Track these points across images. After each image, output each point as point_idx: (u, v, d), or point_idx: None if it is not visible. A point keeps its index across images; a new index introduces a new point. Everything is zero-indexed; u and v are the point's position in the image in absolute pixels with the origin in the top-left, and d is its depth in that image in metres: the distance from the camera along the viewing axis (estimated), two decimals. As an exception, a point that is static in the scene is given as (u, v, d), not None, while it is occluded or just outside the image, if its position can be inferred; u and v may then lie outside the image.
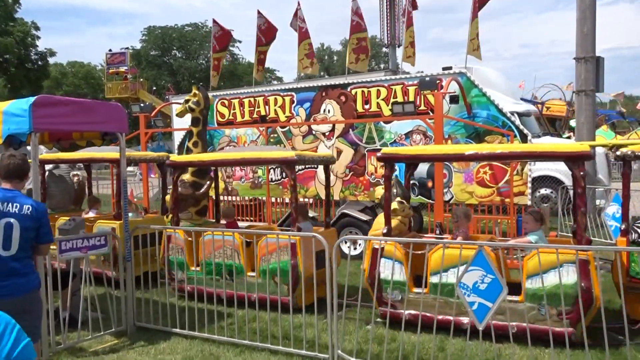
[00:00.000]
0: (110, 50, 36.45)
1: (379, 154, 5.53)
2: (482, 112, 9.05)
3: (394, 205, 5.63)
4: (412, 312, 4.71)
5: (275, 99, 11.18)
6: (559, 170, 12.43)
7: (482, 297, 3.81)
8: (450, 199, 9.37)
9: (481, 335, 3.95)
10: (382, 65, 52.41)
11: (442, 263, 4.57)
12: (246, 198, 11.74)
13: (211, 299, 5.28)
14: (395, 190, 6.08)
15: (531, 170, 8.85)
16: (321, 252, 4.71)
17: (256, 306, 4.93)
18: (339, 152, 10.34)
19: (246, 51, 55.25)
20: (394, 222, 5.52)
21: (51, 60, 35.81)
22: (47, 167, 8.28)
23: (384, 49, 42.38)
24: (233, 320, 5.03)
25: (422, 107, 9.44)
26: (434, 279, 4.76)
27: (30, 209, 3.53)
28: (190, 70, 50.12)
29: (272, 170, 11.12)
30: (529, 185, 8.74)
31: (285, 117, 11.01)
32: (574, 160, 4.78)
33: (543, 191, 12.65)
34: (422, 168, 9.61)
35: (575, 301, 4.32)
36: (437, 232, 8.15)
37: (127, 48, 37.95)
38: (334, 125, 10.42)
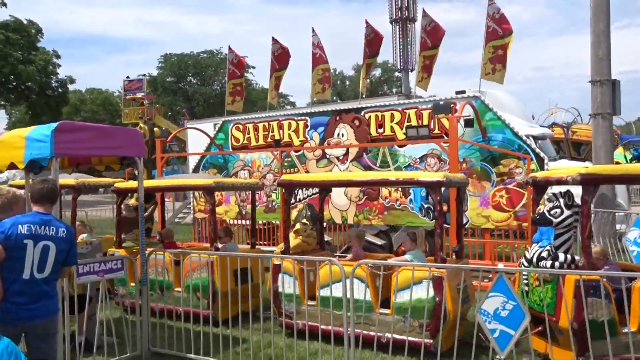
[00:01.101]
0: (127, 77, 37.20)
1: (279, 180, 6.27)
2: (497, 135, 9.01)
3: (297, 226, 6.38)
4: (309, 322, 4.96)
5: (290, 123, 11.27)
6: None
7: (503, 324, 3.72)
8: (466, 223, 9.27)
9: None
10: (394, 90, 52.71)
11: (331, 278, 4.84)
12: (260, 222, 11.74)
13: (226, 322, 5.24)
14: (305, 212, 6.90)
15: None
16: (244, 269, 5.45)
17: (271, 331, 4.87)
18: (354, 176, 10.33)
19: (260, 77, 56.08)
20: (296, 241, 6.17)
21: (70, 87, 36.63)
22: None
23: (397, 74, 42.66)
24: (248, 345, 4.97)
25: (437, 131, 9.44)
26: (322, 292, 5.25)
27: (65, 232, 3.62)
28: (205, 96, 50.90)
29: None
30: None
31: (299, 141, 11.08)
32: (430, 187, 5.26)
33: (560, 215, 12.48)
34: (437, 192, 9.56)
35: (433, 314, 4.70)
36: (453, 257, 8.05)
37: (144, 75, 38.75)
38: (347, 149, 10.45)
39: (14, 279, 3.37)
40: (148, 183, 7.16)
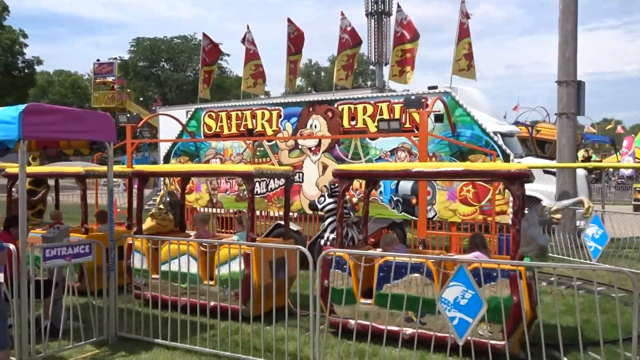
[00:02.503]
0: (98, 60, 36.38)
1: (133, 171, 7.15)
2: (466, 131, 9.23)
3: (153, 210, 7.45)
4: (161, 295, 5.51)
5: (263, 112, 11.27)
6: (541, 191, 12.68)
7: (462, 312, 3.88)
8: (433, 216, 9.49)
9: (461, 351, 4.03)
10: (369, 83, 52.96)
11: (169, 255, 5.86)
12: (230, 210, 11.74)
13: (194, 310, 5.28)
14: (165, 198, 7.77)
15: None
16: None
17: (239, 318, 4.94)
18: (325, 167, 10.43)
19: (234, 64, 55.45)
20: (151, 223, 7.13)
21: (38, 68, 35.56)
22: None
23: (371, 67, 42.88)
24: (216, 332, 5.03)
25: (408, 125, 9.60)
26: (164, 267, 5.94)
27: None
28: (178, 82, 50.13)
29: (257, 184, 11.16)
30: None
31: (272, 131, 11.10)
32: (245, 177, 6.24)
33: (525, 211, 12.85)
34: (407, 185, 9.75)
35: (244, 285, 5.45)
36: (420, 248, 8.26)
37: (115, 58, 37.92)
38: (320, 141, 10.53)
39: None
40: (41, 169, 7.85)
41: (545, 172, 12.60)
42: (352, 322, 4.78)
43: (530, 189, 12.73)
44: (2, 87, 31.47)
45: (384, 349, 4.63)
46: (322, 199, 6.72)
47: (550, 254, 10.03)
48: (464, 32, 9.83)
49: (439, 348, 4.54)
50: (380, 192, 9.98)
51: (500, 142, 9.28)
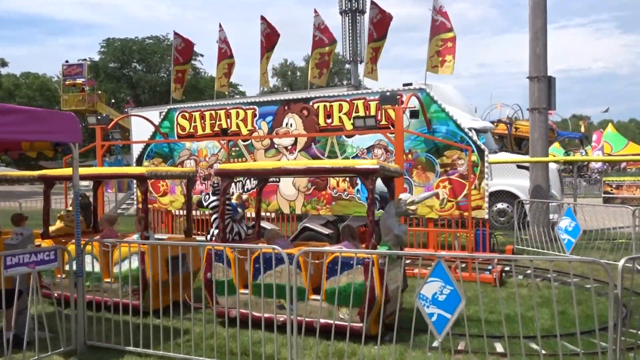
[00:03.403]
0: (67, 61, 35.52)
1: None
2: (441, 127, 9.24)
3: (61, 212, 7.81)
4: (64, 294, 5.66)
5: (237, 112, 11.10)
6: (515, 185, 12.83)
7: (441, 308, 3.83)
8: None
9: (440, 349, 3.97)
10: (345, 82, 53.05)
11: (120, 256, 6.05)
12: (206, 212, 11.53)
13: (166, 314, 5.11)
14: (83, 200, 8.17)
15: (488, 186, 9.07)
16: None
17: (214, 322, 4.80)
18: (301, 166, 10.32)
19: (208, 65, 54.87)
20: (59, 225, 7.54)
21: (3, 70, 34.52)
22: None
23: (347, 65, 42.93)
24: (190, 337, 4.87)
25: (384, 122, 9.56)
26: (116, 269, 6.17)
27: None
28: (151, 84, 49.32)
29: (233, 184, 10.99)
30: (486, 199, 8.94)
31: (248, 130, 10.94)
32: (140, 180, 6.56)
33: (500, 205, 12.99)
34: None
35: (141, 281, 5.91)
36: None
37: (85, 59, 37.06)
38: (296, 139, 10.42)
39: None
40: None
41: (519, 166, 12.75)
42: (234, 311, 5.14)
43: (505, 183, 12.90)
44: (-34, 91, 30.49)
45: (362, 348, 4.56)
46: (207, 196, 6.80)
47: (525, 247, 10.14)
48: (436, 29, 9.85)
49: (309, 332, 4.84)
50: (358, 190, 9.92)
51: (475, 137, 9.32)
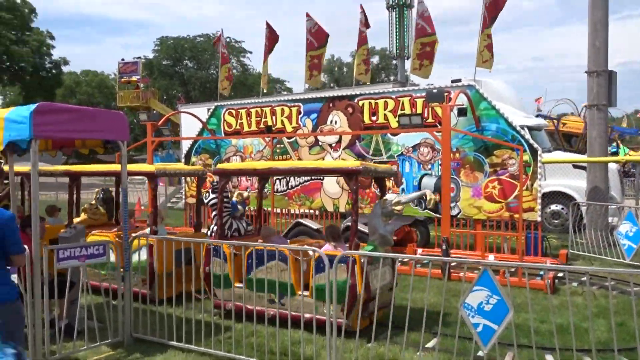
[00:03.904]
0: (122, 59, 36.83)
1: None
2: (491, 125, 8.92)
3: (85, 205, 8.43)
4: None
5: (282, 109, 11.13)
6: (570, 186, 12.23)
7: (487, 318, 3.66)
8: (457, 214, 9.21)
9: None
10: (391, 78, 52.44)
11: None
12: (251, 208, 11.66)
13: (209, 311, 5.17)
14: (99, 195, 8.91)
15: (541, 186, 8.68)
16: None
17: (254, 319, 4.81)
18: (346, 164, 10.24)
19: (257, 62, 55.53)
20: (83, 217, 8.04)
21: (65, 68, 36.23)
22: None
23: (394, 61, 42.40)
24: (231, 334, 4.91)
25: (430, 120, 9.33)
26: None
27: None
28: (201, 80, 50.46)
29: (277, 181, 11.05)
30: (539, 201, 8.56)
31: (292, 127, 10.96)
32: (149, 177, 6.96)
33: (554, 207, 12.43)
34: (430, 182, 9.49)
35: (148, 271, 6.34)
36: (444, 247, 8.01)
37: (140, 57, 38.35)
38: (340, 137, 10.34)
39: None
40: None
41: (575, 166, 12.14)
42: (230, 303, 5.26)
43: (560, 184, 12.32)
44: (31, 88, 32.15)
45: (404, 353, 4.44)
46: (207, 194, 6.96)
47: (580, 252, 9.65)
48: (485, 24, 9.50)
49: (295, 325, 4.94)
50: (403, 189, 9.75)
51: (528, 136, 8.93)
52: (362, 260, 4.99)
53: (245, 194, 7.61)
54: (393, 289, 5.42)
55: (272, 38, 13.19)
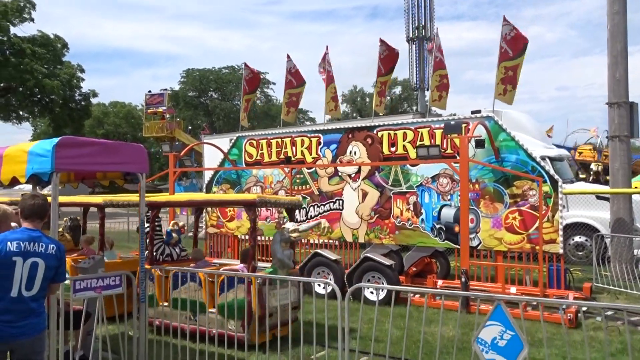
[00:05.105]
0: (149, 91, 37.95)
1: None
2: (510, 156, 8.85)
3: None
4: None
5: (302, 140, 11.26)
6: (594, 217, 11.97)
7: (501, 354, 3.58)
8: (478, 245, 9.08)
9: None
10: (414, 108, 52.64)
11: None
12: (270, 238, 11.68)
13: (222, 342, 5.17)
14: (68, 223, 9.66)
15: (563, 218, 8.52)
16: None
17: (266, 349, 4.78)
18: (365, 194, 10.25)
19: (280, 93, 56.61)
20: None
21: (94, 100, 37.45)
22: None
23: (415, 92, 42.67)
24: (244, 366, 4.89)
25: (449, 151, 9.32)
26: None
27: (55, 249, 3.58)
28: (225, 111, 51.53)
29: (297, 212, 11.09)
30: (561, 232, 8.39)
31: (312, 158, 11.05)
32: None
33: (577, 239, 12.15)
34: (450, 212, 9.41)
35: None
36: (463, 279, 7.88)
37: (166, 89, 39.41)
38: (360, 167, 10.38)
39: (1, 297, 3.33)
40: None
41: (598, 197, 11.90)
42: (157, 321, 6.15)
43: (583, 215, 12.07)
44: (61, 119, 33.22)
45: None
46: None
47: (605, 286, 9.36)
48: (503, 56, 9.55)
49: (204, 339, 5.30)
50: (422, 219, 9.67)
51: (549, 167, 8.83)
52: (258, 282, 5.74)
53: (181, 223, 8.45)
54: (298, 308, 6.23)
55: (298, 73, 13.52)
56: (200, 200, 7.60)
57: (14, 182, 4.63)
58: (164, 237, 7.60)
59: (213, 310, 5.87)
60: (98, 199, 7.80)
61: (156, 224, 7.30)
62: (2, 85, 31.16)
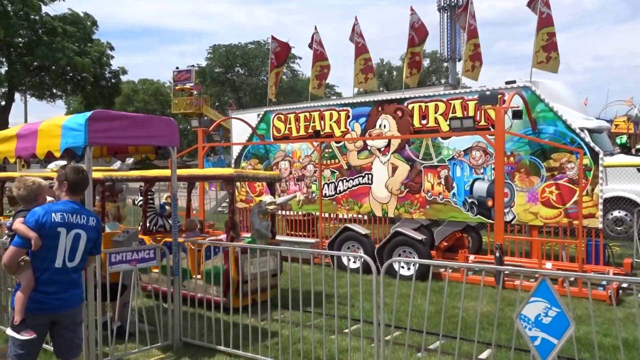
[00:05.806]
0: (177, 68, 38.04)
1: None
2: (548, 128, 8.52)
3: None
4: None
5: (331, 114, 11.09)
6: (635, 191, 11.52)
7: (545, 332, 3.44)
8: (512, 220, 8.85)
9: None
10: (443, 81, 51.50)
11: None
12: (299, 213, 11.67)
13: (254, 314, 5.17)
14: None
15: (603, 192, 8.20)
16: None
17: (300, 326, 4.76)
18: (395, 168, 10.07)
19: (306, 67, 56.05)
20: None
21: (123, 78, 37.84)
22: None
23: (445, 64, 41.62)
24: (277, 339, 4.89)
25: (483, 123, 9.02)
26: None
27: (95, 221, 3.61)
28: (252, 87, 51.45)
29: (326, 186, 11.01)
30: (600, 207, 8.09)
31: (341, 132, 10.89)
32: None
33: (616, 213, 11.74)
34: (482, 186, 9.17)
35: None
36: (497, 254, 7.70)
37: (193, 66, 39.44)
38: (389, 141, 10.19)
39: (45, 268, 3.35)
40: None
41: (640, 170, 11.43)
42: (150, 286, 6.29)
43: (623, 189, 11.63)
44: (92, 97, 33.75)
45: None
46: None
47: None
48: (542, 22, 9.09)
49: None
50: (454, 193, 9.46)
51: (588, 138, 8.47)
52: (236, 250, 5.98)
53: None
54: (277, 275, 6.57)
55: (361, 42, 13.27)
56: (185, 175, 7.89)
57: (49, 156, 4.65)
58: (157, 209, 8.06)
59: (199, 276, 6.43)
60: (98, 174, 7.77)
61: (149, 197, 7.73)
62: (36, 64, 31.67)
